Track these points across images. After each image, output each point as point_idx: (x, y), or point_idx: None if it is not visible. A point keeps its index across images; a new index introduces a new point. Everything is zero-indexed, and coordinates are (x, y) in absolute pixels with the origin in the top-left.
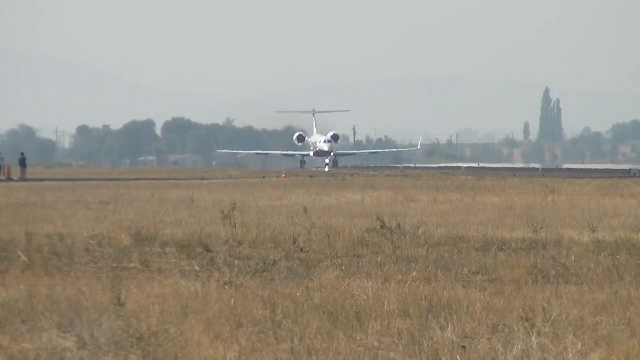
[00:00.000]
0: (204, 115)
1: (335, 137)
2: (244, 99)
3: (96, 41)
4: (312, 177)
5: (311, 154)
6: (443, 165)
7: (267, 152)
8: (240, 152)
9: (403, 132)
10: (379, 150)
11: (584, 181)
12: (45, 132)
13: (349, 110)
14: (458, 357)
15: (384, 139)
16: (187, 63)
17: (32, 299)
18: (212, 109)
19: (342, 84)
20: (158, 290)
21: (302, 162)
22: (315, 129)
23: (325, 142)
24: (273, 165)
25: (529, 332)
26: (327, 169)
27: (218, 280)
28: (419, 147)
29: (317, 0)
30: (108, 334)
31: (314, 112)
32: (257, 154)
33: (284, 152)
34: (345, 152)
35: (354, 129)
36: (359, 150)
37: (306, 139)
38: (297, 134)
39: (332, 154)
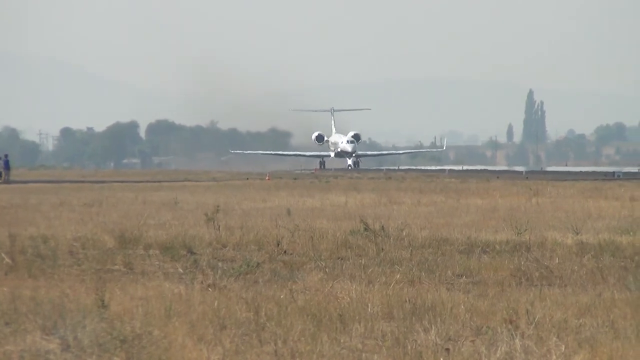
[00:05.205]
0: (187, 117)
1: (356, 137)
2: (230, 100)
3: (80, 42)
4: (295, 179)
5: (332, 154)
6: (423, 167)
7: (284, 152)
8: (251, 152)
9: (387, 134)
10: (401, 152)
11: (568, 183)
12: (29, 134)
13: (370, 109)
14: (442, 359)
15: (367, 142)
16: (171, 63)
17: (16, 300)
18: (196, 110)
19: (325, 87)
20: (141, 293)
21: (322, 163)
22: (334, 129)
23: (348, 142)
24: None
25: (512, 334)
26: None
27: (201, 283)
28: (444, 147)
29: (307, 3)
30: (91, 336)
31: (332, 111)
32: (272, 154)
33: (301, 152)
34: (370, 152)
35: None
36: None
37: (325, 138)
38: (316, 134)
39: (354, 154)
